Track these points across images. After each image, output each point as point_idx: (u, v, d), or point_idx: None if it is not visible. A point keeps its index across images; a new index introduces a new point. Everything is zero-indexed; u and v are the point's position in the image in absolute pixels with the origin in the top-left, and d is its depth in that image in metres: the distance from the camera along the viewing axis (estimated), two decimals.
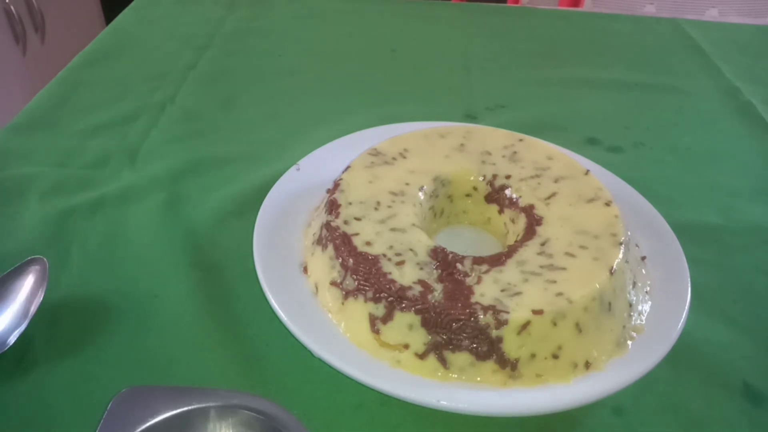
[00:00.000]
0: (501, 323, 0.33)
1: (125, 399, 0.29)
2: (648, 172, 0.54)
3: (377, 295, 0.34)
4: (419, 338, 0.34)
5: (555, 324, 0.33)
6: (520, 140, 0.47)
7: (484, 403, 0.32)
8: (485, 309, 0.33)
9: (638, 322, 0.37)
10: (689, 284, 0.39)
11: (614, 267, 0.36)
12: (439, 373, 0.33)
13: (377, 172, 0.43)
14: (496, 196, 0.44)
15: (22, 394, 0.34)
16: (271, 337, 0.38)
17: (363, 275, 0.35)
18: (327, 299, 0.37)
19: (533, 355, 0.33)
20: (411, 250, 0.37)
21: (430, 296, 0.34)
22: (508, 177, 0.43)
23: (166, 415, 0.28)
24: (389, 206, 0.40)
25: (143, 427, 0.28)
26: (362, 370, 0.33)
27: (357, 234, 0.37)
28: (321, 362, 0.33)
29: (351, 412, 0.34)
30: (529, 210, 0.41)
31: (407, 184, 0.42)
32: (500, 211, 0.44)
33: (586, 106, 0.65)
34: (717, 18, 1.09)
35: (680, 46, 0.78)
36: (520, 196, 0.42)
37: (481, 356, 0.33)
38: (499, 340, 0.33)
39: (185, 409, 0.29)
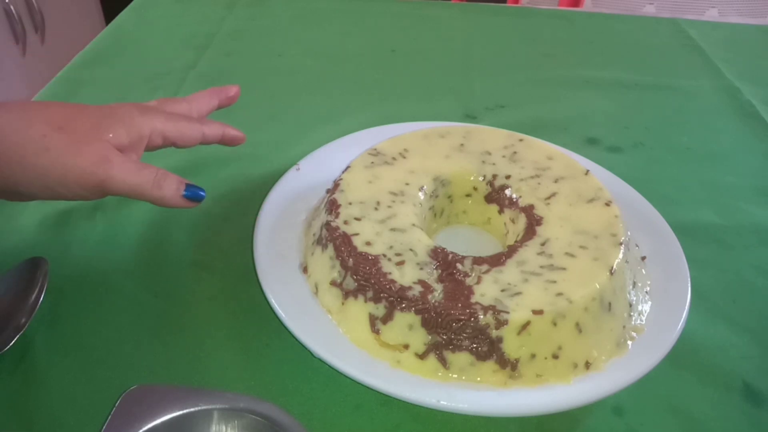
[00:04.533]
0: (501, 323, 0.33)
1: (134, 397, 0.29)
2: (648, 172, 0.54)
3: (377, 295, 0.34)
4: (419, 338, 0.34)
5: (555, 324, 0.33)
6: (520, 140, 0.47)
7: (484, 403, 0.32)
8: (485, 309, 0.33)
9: (638, 322, 0.37)
10: (689, 284, 0.39)
11: (614, 267, 0.36)
12: (439, 373, 0.33)
13: (377, 172, 0.43)
14: (496, 196, 0.44)
15: (23, 394, 0.34)
16: (271, 337, 0.38)
17: (363, 275, 0.35)
18: (327, 299, 0.37)
19: (533, 355, 0.33)
20: (411, 250, 0.37)
21: (430, 296, 0.34)
22: (508, 177, 0.43)
23: (171, 415, 0.28)
24: (389, 206, 0.40)
25: (149, 426, 0.28)
26: (362, 371, 0.33)
27: (357, 234, 0.37)
28: (321, 362, 0.33)
29: (351, 412, 0.34)
30: (529, 210, 0.41)
31: (407, 184, 0.42)
32: (500, 211, 0.44)
33: (586, 106, 0.65)
34: (717, 18, 1.09)
35: (680, 46, 0.77)
36: (520, 196, 0.42)
37: (481, 356, 0.33)
38: (499, 340, 0.33)
39: (190, 410, 0.29)
